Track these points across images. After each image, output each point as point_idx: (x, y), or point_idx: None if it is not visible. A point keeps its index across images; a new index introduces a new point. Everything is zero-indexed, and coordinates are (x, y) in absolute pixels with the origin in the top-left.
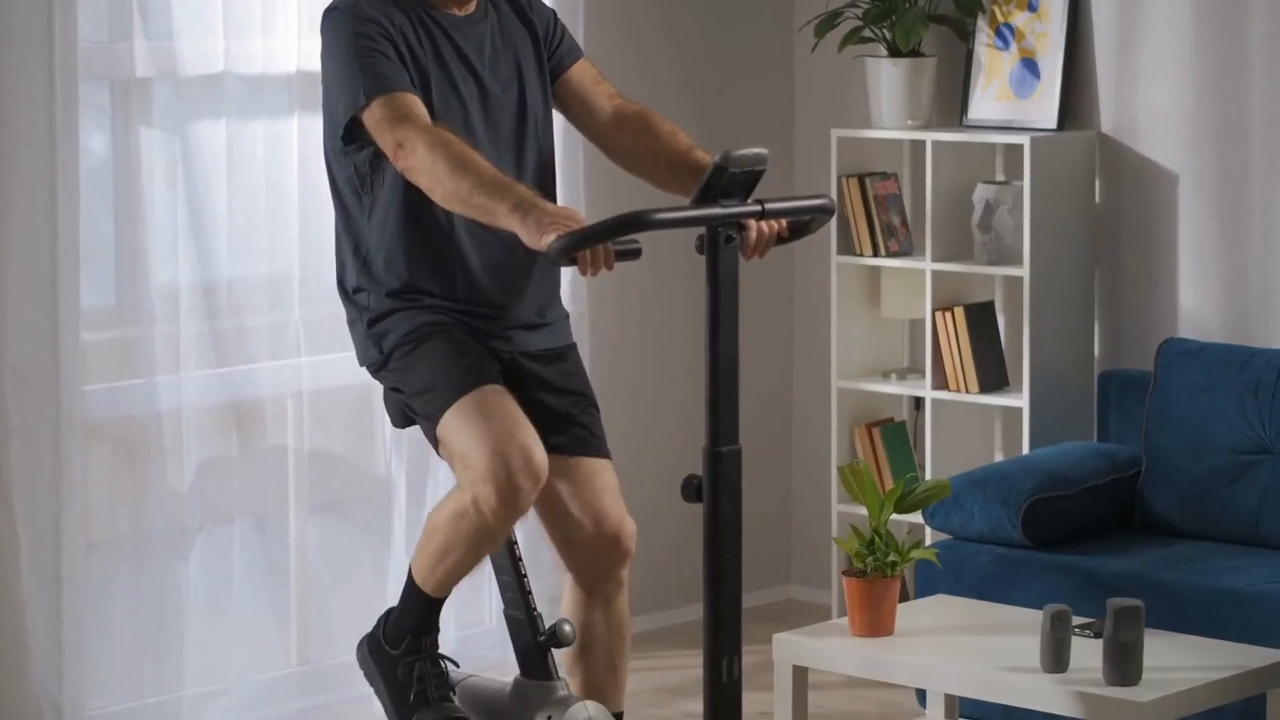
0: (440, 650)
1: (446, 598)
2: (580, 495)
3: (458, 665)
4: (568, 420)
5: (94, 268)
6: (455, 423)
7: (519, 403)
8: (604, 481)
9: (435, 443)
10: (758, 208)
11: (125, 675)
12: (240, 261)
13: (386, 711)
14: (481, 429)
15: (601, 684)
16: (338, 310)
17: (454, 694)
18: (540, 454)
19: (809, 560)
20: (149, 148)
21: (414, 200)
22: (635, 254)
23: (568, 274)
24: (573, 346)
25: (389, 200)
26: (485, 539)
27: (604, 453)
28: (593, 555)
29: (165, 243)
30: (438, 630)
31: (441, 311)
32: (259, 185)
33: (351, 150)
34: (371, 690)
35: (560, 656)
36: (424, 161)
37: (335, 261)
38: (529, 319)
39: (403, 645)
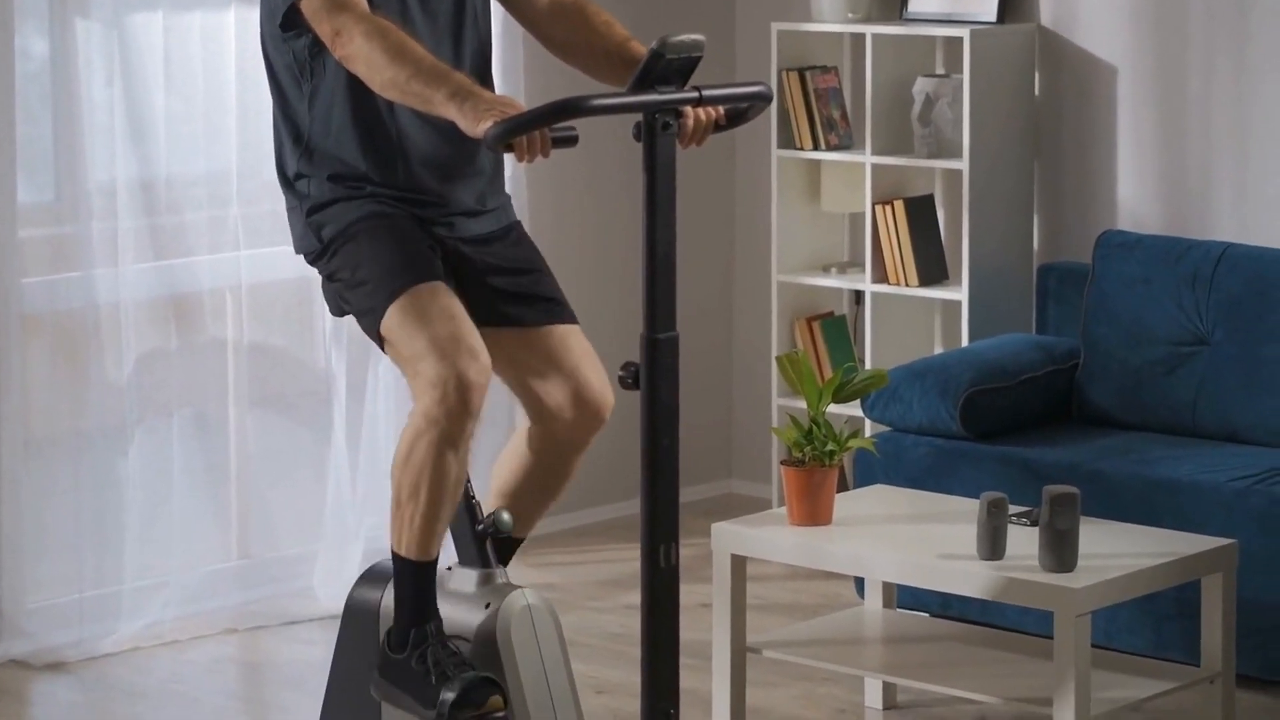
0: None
1: (435, 560)
2: (559, 364)
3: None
4: (522, 294)
5: (32, 165)
6: (399, 323)
7: (467, 291)
8: (579, 346)
9: (379, 341)
10: (695, 94)
11: (65, 569)
12: (179, 157)
13: (416, 714)
14: (426, 333)
15: (527, 510)
16: (276, 205)
17: (472, 669)
18: (485, 354)
19: (749, 454)
20: (86, 43)
21: (356, 88)
22: (572, 141)
23: (508, 162)
24: (516, 224)
25: (332, 88)
26: (447, 447)
27: (571, 318)
28: (569, 420)
29: (103, 139)
30: (439, 616)
31: (383, 201)
32: (197, 80)
33: (290, 38)
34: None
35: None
36: (361, 49)
37: (273, 150)
38: (469, 206)
39: (408, 642)
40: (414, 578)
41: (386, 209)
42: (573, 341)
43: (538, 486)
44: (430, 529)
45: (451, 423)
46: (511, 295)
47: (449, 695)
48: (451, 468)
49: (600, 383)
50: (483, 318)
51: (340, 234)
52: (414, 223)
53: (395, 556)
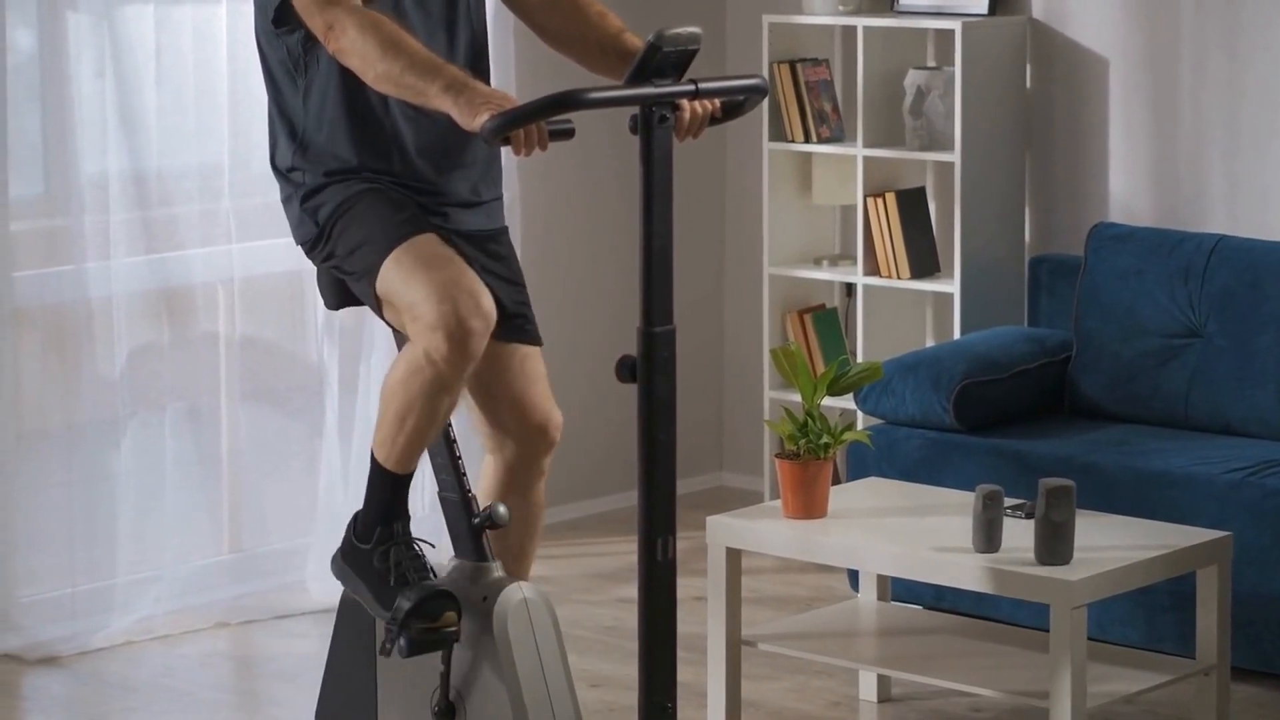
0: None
1: (412, 474)
2: (511, 383)
3: (434, 546)
4: (501, 307)
5: (22, 159)
6: (396, 274)
7: None
8: (533, 369)
9: (378, 305)
10: (691, 87)
11: (57, 563)
12: (170, 150)
13: (370, 608)
14: (425, 277)
15: (513, 550)
16: (268, 198)
17: (433, 574)
18: (488, 297)
19: (740, 447)
20: (77, 36)
21: (350, 81)
22: (568, 134)
23: (505, 155)
24: (504, 230)
25: (325, 82)
26: (442, 391)
27: (536, 339)
28: (518, 443)
29: (94, 132)
30: (408, 516)
31: (378, 182)
32: (188, 73)
33: (283, 33)
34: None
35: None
36: (355, 43)
37: (268, 142)
38: (464, 197)
39: (374, 537)
40: (389, 483)
41: (380, 185)
42: (530, 364)
43: (514, 538)
44: (412, 450)
45: (449, 367)
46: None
47: (405, 603)
48: (443, 406)
49: (546, 404)
50: None
51: (335, 211)
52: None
53: (374, 459)
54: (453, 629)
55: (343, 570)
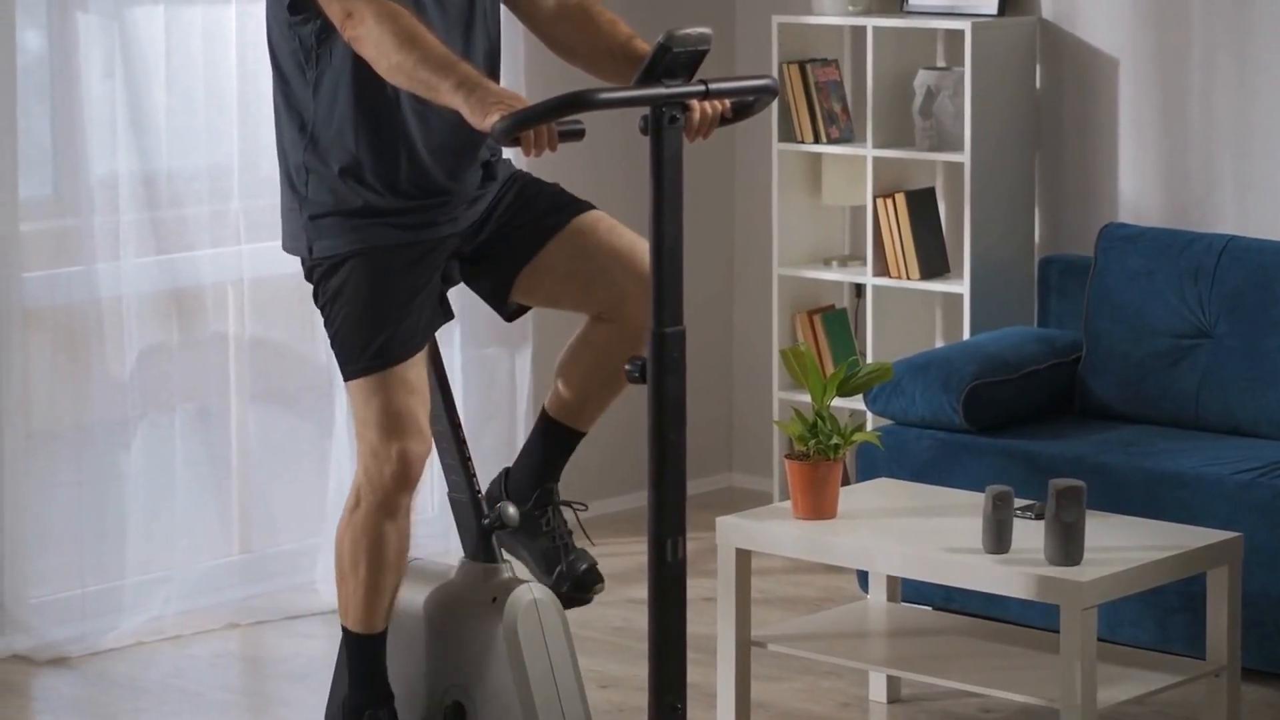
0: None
1: (383, 634)
2: (612, 244)
3: None
4: (539, 213)
5: (32, 159)
6: (358, 391)
7: (492, 252)
8: (613, 224)
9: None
10: (701, 87)
11: (67, 564)
12: (179, 151)
13: None
14: (381, 404)
15: (592, 404)
16: (277, 199)
17: None
18: (429, 433)
19: (750, 448)
20: (86, 37)
21: (363, 75)
22: (579, 134)
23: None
24: (513, 174)
25: (338, 75)
26: (385, 518)
27: (590, 205)
28: (639, 303)
29: (104, 133)
30: (391, 699)
31: (381, 221)
32: (197, 74)
33: (297, 22)
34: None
35: (560, 356)
36: (372, 32)
37: (275, 139)
38: (470, 195)
39: None
40: (360, 650)
41: (380, 241)
42: (604, 222)
43: (605, 380)
44: (372, 601)
45: (389, 494)
46: (532, 219)
47: None
48: (390, 538)
49: (644, 247)
50: (525, 255)
51: (328, 260)
52: (404, 262)
53: (343, 629)
54: None
55: None
